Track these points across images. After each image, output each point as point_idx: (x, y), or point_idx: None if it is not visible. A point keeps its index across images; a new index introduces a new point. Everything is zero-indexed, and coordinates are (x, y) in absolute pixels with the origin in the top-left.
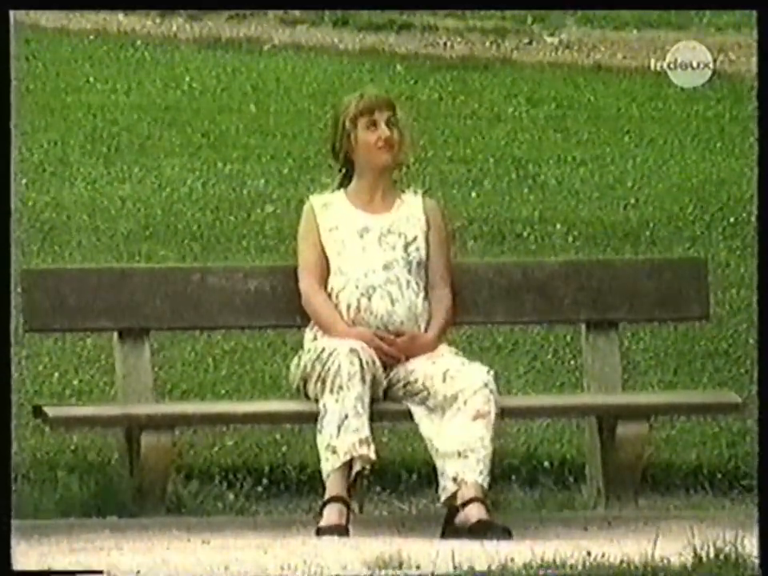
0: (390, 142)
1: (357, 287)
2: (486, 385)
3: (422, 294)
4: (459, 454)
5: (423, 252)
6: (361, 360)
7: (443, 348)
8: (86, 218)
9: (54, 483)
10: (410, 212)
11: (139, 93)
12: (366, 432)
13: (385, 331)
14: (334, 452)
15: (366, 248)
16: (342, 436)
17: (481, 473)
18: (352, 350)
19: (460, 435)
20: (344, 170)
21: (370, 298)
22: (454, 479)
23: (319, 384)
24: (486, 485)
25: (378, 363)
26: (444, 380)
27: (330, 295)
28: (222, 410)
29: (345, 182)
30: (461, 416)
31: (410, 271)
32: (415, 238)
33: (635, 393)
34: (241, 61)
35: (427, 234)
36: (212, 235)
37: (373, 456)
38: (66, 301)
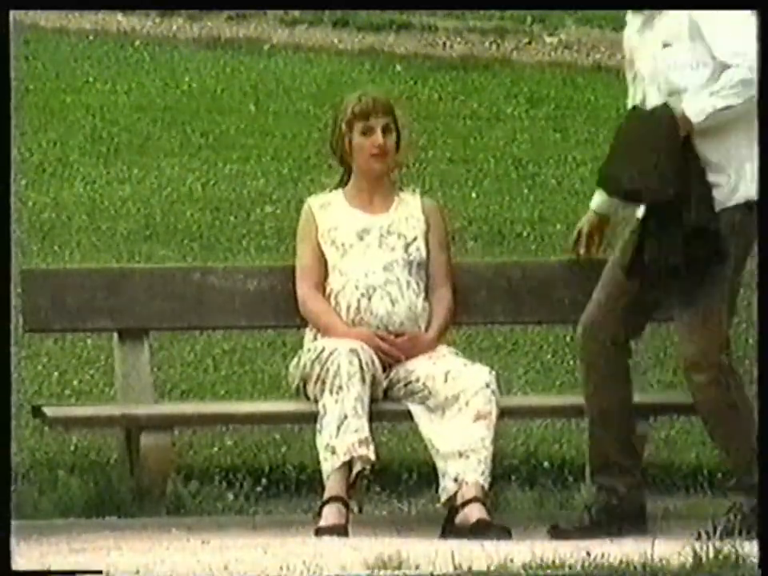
0: (384, 150)
1: (357, 288)
2: (487, 385)
3: (422, 295)
4: (460, 455)
5: (423, 252)
6: (360, 360)
7: (443, 348)
8: (85, 218)
9: (54, 483)
10: (409, 212)
11: (139, 93)
12: (365, 432)
13: (385, 331)
14: (334, 452)
15: (366, 249)
16: (342, 436)
17: (482, 473)
18: (351, 350)
19: (461, 436)
20: (344, 169)
21: (370, 299)
22: (455, 479)
23: (319, 384)
24: (486, 485)
25: (377, 363)
26: (445, 380)
27: (329, 296)
28: (222, 410)
29: (345, 180)
30: (462, 416)
31: (409, 272)
32: (415, 239)
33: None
34: (240, 61)
35: (427, 234)
36: (212, 235)
37: (372, 456)
38: (66, 301)
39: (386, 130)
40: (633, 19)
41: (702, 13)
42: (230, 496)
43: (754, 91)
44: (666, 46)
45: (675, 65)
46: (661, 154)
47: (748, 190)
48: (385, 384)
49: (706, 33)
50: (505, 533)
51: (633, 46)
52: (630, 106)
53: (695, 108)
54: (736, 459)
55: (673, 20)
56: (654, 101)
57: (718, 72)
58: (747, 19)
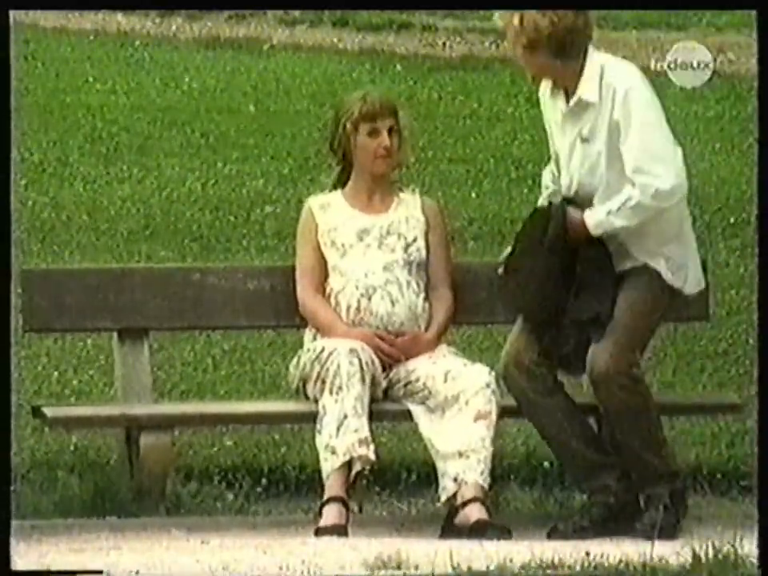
0: (390, 151)
1: (357, 288)
2: (487, 385)
3: (422, 295)
4: (460, 455)
5: (423, 253)
6: (360, 360)
7: (443, 348)
8: (85, 218)
9: (54, 483)
10: (409, 212)
11: (139, 93)
12: (365, 432)
13: (385, 332)
14: (334, 452)
15: (366, 249)
16: (342, 436)
17: (482, 473)
18: (352, 351)
19: (461, 435)
20: (341, 168)
21: (370, 299)
22: (455, 479)
23: (318, 384)
24: (486, 485)
25: (377, 363)
26: (445, 380)
27: (329, 296)
28: (222, 410)
29: (342, 180)
30: (462, 416)
31: (410, 272)
32: (415, 239)
33: None
34: (240, 61)
35: (427, 234)
36: (212, 235)
37: (372, 456)
38: (66, 301)
39: (391, 132)
40: (558, 100)
41: (626, 114)
42: (230, 496)
43: (652, 212)
44: (584, 140)
45: (589, 161)
46: (545, 272)
47: (674, 280)
48: (385, 384)
49: (622, 138)
50: (505, 533)
51: (557, 122)
52: (552, 152)
53: (594, 220)
54: (647, 454)
55: (595, 116)
56: (565, 182)
57: (623, 180)
58: (661, 132)
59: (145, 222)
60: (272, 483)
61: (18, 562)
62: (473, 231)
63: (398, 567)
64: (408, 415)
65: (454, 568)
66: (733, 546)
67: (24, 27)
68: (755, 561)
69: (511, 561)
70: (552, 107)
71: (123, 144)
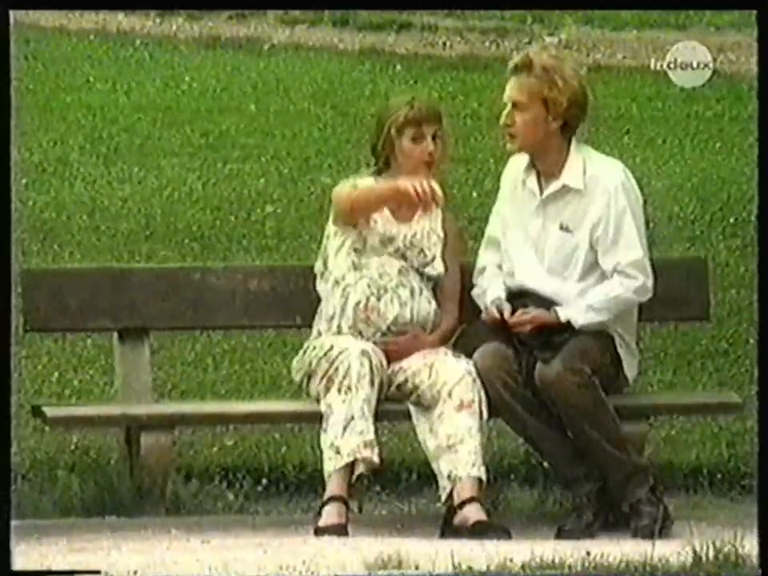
0: (433, 157)
1: (369, 286)
2: (468, 373)
3: (432, 304)
4: (449, 448)
5: (441, 269)
6: (371, 362)
7: (441, 350)
8: (85, 218)
9: (54, 483)
10: (431, 226)
11: (139, 93)
12: (370, 435)
13: (390, 333)
14: (338, 452)
15: (386, 255)
16: (347, 437)
17: (473, 465)
18: (363, 352)
19: (447, 428)
20: (377, 170)
21: (379, 299)
22: (449, 476)
23: (324, 382)
24: (481, 474)
25: (385, 366)
26: (430, 375)
27: (341, 288)
28: (222, 409)
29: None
30: (446, 408)
31: (422, 281)
32: (434, 258)
33: (635, 393)
34: (240, 61)
35: (444, 250)
36: (212, 235)
37: (376, 459)
38: (66, 301)
39: (435, 138)
40: (529, 182)
41: (614, 212)
42: (230, 496)
43: (629, 306)
44: (564, 229)
45: (565, 251)
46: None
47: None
48: (386, 385)
49: (603, 233)
50: (504, 533)
51: (525, 205)
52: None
53: (569, 314)
54: (615, 450)
55: (579, 206)
56: (522, 266)
57: (595, 273)
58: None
59: (145, 221)
60: (272, 483)
61: (18, 562)
62: (473, 231)
63: (399, 567)
64: (408, 415)
65: (454, 568)
66: (733, 545)
67: (24, 27)
68: (755, 561)
69: (511, 560)
70: (521, 188)
71: (123, 144)
